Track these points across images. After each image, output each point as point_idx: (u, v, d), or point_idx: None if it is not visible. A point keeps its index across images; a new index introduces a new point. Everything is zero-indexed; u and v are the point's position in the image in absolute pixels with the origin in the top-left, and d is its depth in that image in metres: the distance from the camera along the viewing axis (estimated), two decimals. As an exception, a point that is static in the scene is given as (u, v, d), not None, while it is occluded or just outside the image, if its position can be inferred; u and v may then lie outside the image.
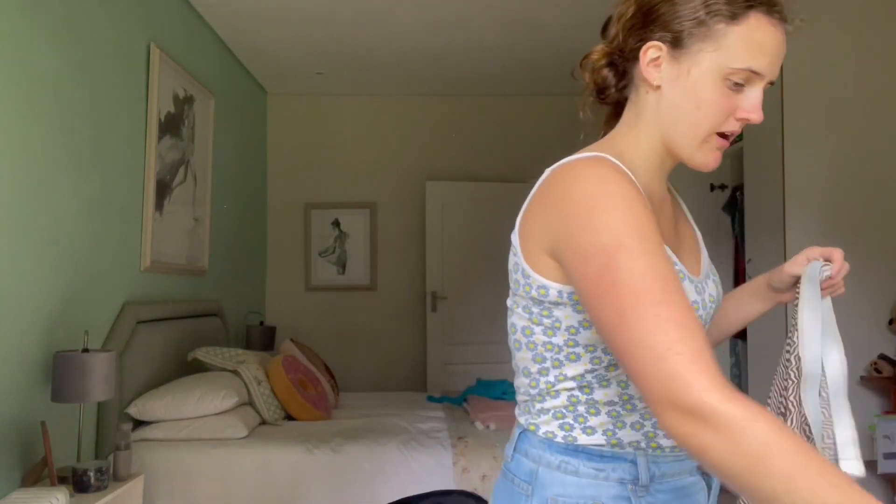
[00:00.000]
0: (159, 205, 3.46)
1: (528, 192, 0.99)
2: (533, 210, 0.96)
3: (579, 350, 0.95)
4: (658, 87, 0.96)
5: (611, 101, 1.05)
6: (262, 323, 5.03)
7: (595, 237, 0.84)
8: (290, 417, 3.49)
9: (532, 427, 1.00)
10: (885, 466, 3.26)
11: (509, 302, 1.03)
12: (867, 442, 3.46)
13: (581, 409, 0.96)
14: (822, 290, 1.06)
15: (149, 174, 3.31)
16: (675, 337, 0.75)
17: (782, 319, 3.52)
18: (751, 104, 0.93)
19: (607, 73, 1.02)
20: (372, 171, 5.69)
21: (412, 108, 5.72)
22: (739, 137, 4.16)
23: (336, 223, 5.65)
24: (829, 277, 1.06)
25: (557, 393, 0.97)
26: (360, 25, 4.19)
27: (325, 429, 3.26)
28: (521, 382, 1.03)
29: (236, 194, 4.82)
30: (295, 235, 5.65)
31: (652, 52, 0.95)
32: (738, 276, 4.36)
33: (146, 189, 3.30)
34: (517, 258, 0.98)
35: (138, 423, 3.06)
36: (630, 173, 0.93)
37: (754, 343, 3.86)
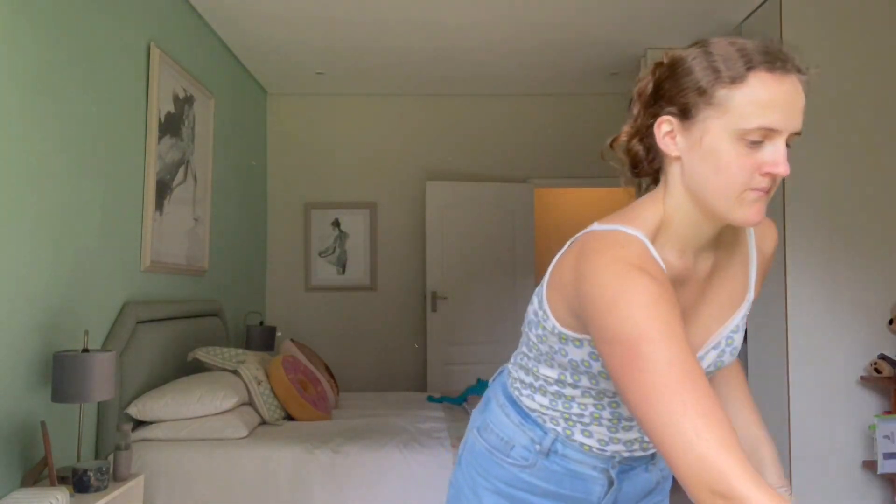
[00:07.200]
0: (159, 205, 3.46)
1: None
2: (561, 270, 1.05)
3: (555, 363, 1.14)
4: (678, 158, 1.01)
5: (644, 174, 1.11)
6: (262, 323, 5.03)
7: (618, 325, 0.89)
8: (290, 417, 3.49)
9: (511, 372, 1.25)
10: (885, 466, 3.26)
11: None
12: (867, 442, 3.46)
13: (536, 385, 1.18)
14: None
15: (149, 174, 3.31)
16: (700, 423, 0.82)
17: (782, 320, 3.52)
18: (773, 159, 0.93)
19: (637, 150, 1.09)
20: (372, 171, 5.69)
21: (412, 108, 5.72)
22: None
23: (336, 223, 5.65)
24: None
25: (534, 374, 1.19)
26: (360, 25, 4.20)
27: (325, 429, 3.26)
28: (521, 351, 1.23)
29: (236, 194, 4.82)
30: (295, 235, 5.65)
31: (664, 126, 1.00)
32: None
33: (146, 189, 3.30)
34: (541, 308, 1.09)
35: (138, 423, 3.06)
36: (652, 248, 0.99)
37: (755, 343, 3.86)
